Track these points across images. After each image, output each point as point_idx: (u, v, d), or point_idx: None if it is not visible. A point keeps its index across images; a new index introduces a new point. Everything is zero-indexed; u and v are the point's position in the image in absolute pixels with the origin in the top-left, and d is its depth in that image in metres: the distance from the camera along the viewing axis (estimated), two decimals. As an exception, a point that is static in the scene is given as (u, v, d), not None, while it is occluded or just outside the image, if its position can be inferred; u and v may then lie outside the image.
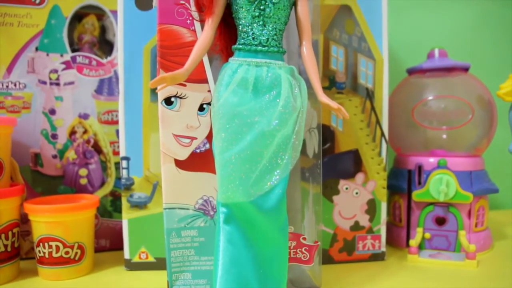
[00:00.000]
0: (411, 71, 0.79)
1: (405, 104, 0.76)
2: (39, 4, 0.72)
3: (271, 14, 0.47)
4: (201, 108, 0.55)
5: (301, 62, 0.51)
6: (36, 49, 0.72)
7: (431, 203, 0.72)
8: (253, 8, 0.47)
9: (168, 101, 0.54)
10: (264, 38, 0.48)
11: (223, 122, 0.46)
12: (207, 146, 0.55)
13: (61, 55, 0.73)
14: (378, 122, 0.68)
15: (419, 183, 0.73)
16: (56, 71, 0.73)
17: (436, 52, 0.78)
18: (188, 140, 0.55)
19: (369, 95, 0.68)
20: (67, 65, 0.73)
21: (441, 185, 0.70)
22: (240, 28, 0.49)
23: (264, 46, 0.48)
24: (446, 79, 0.76)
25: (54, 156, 0.73)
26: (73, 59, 0.74)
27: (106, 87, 0.75)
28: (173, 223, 0.56)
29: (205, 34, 0.48)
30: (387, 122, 0.68)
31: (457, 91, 0.74)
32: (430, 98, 0.74)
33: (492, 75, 0.88)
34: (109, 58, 0.75)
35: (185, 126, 0.55)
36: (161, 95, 0.54)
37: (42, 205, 0.63)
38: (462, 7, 1.03)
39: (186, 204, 0.56)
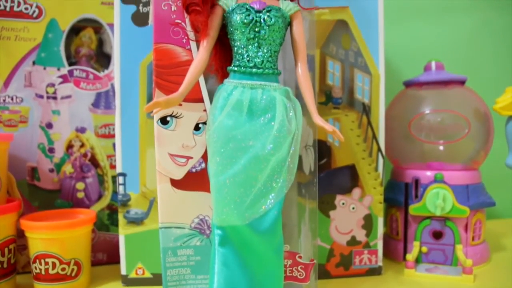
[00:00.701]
0: (408, 84, 0.79)
1: (402, 117, 0.76)
2: (36, 18, 0.72)
3: (266, 36, 0.47)
4: (196, 128, 0.55)
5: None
6: (33, 63, 0.72)
7: (428, 217, 0.72)
8: (248, 30, 0.47)
9: (163, 121, 0.55)
10: (259, 60, 0.48)
11: (217, 146, 0.46)
12: (203, 165, 0.56)
13: (58, 69, 0.73)
14: (374, 137, 0.68)
15: (416, 196, 0.73)
16: (53, 85, 0.73)
17: (433, 65, 0.78)
18: (184, 160, 0.55)
19: (366, 110, 0.68)
20: (64, 78, 0.73)
21: (437, 200, 0.70)
22: (235, 50, 0.49)
23: (259, 68, 0.48)
24: (443, 92, 0.76)
25: (51, 170, 0.73)
26: (70, 72, 0.74)
27: (103, 101, 0.75)
28: (169, 242, 0.56)
29: (200, 57, 0.48)
30: (384, 137, 0.68)
31: (453, 104, 0.74)
32: (427, 112, 0.74)
33: (488, 86, 0.89)
34: (106, 72, 0.75)
35: (181, 145, 0.55)
36: (157, 114, 0.54)
37: (38, 221, 0.63)
38: (458, 18, 1.02)
39: (182, 223, 0.56)
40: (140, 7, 0.64)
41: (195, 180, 0.55)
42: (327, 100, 0.67)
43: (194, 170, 0.55)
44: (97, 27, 0.76)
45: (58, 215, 0.68)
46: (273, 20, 0.47)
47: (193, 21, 0.49)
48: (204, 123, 0.55)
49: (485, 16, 1.01)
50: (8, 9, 0.71)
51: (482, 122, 0.74)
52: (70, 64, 0.75)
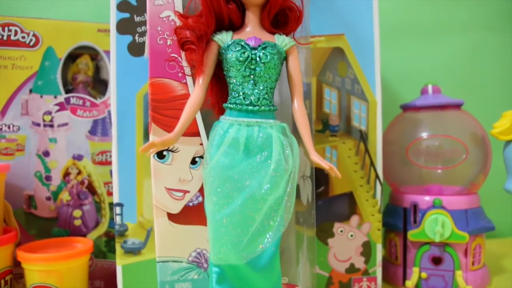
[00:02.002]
0: (404, 108, 0.79)
1: (399, 141, 0.76)
2: (33, 46, 0.72)
3: (261, 73, 0.47)
4: (193, 161, 0.55)
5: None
6: (30, 91, 0.72)
7: (427, 243, 0.72)
8: (243, 68, 0.47)
9: (160, 155, 0.54)
10: (255, 97, 0.48)
11: (214, 185, 0.46)
12: (200, 199, 0.55)
13: (55, 97, 0.73)
14: (372, 164, 0.68)
15: (415, 222, 0.73)
16: (49, 112, 0.73)
17: (430, 88, 0.78)
18: (180, 194, 0.55)
19: (363, 137, 0.68)
20: (61, 106, 0.73)
21: (436, 226, 0.69)
22: (231, 87, 0.49)
23: (255, 105, 0.48)
24: (440, 116, 0.76)
25: (48, 198, 0.73)
26: (67, 100, 0.74)
27: (100, 128, 0.75)
28: (167, 276, 0.55)
29: (195, 95, 0.48)
30: (381, 164, 0.68)
31: (451, 129, 0.74)
32: (424, 137, 0.74)
33: (485, 107, 0.89)
34: (103, 99, 0.75)
35: (177, 179, 0.55)
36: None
37: (35, 251, 0.63)
38: (454, 39, 1.02)
39: (180, 257, 0.55)
40: (136, 37, 0.64)
41: (192, 214, 0.55)
42: (324, 128, 0.67)
43: (191, 204, 0.55)
44: (94, 54, 0.76)
45: (55, 244, 0.68)
46: (268, 57, 0.47)
47: (189, 59, 0.49)
48: (201, 157, 0.55)
49: (480, 36, 1.01)
50: (5, 38, 0.71)
51: (480, 146, 0.74)
52: (67, 91, 0.75)
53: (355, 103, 0.68)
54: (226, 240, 0.45)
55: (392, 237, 0.77)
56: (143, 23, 0.64)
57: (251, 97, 0.47)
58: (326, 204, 0.68)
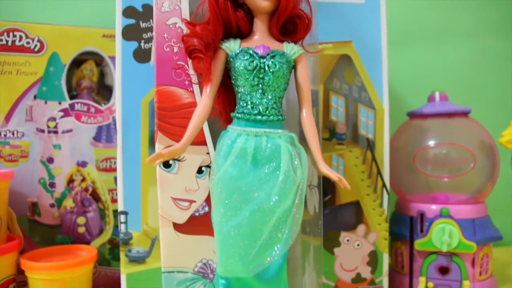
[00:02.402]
0: (412, 115, 0.79)
1: (406, 149, 0.76)
2: (38, 52, 0.72)
3: (270, 82, 0.47)
4: (199, 171, 0.54)
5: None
6: (35, 97, 0.72)
7: (433, 252, 0.71)
8: (252, 77, 0.47)
9: (166, 164, 0.54)
10: (263, 107, 0.47)
11: (222, 197, 0.45)
12: (206, 209, 0.55)
13: (59, 103, 0.73)
14: (379, 172, 0.67)
15: (421, 231, 0.72)
16: (54, 119, 0.72)
17: (437, 95, 0.77)
18: (186, 203, 0.54)
19: (370, 145, 0.67)
20: (65, 112, 0.73)
21: (444, 236, 0.69)
22: (239, 96, 0.48)
23: (263, 115, 0.47)
24: (447, 123, 0.75)
25: (52, 205, 0.72)
26: (71, 106, 0.73)
27: (105, 134, 0.74)
28: (172, 286, 0.55)
29: (203, 104, 0.48)
30: (388, 173, 0.67)
31: (458, 137, 0.73)
32: (432, 145, 0.73)
33: (493, 113, 0.88)
34: (107, 105, 0.75)
35: (183, 189, 0.54)
36: (159, 157, 0.53)
37: (39, 259, 0.63)
38: (462, 45, 1.01)
39: (185, 267, 0.55)
40: (142, 44, 0.64)
41: (198, 224, 0.55)
42: (331, 136, 0.67)
43: (197, 214, 0.55)
44: (99, 59, 0.76)
45: (59, 252, 0.67)
46: (277, 66, 0.46)
47: (196, 68, 0.48)
48: (207, 166, 0.54)
49: (487, 41, 1.00)
50: (10, 43, 0.71)
51: (487, 154, 0.73)
52: (71, 97, 0.74)
53: (362, 110, 0.67)
54: (234, 252, 0.45)
55: (398, 245, 0.77)
56: (149, 29, 0.63)
57: (260, 107, 0.47)
58: (333, 213, 0.67)
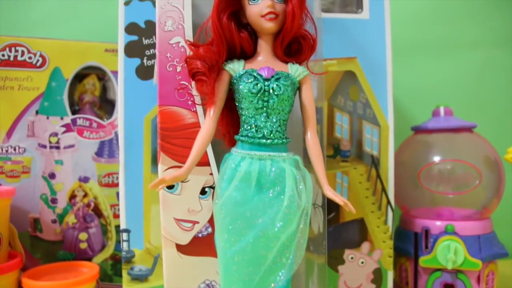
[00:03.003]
0: (416, 130, 0.78)
1: (411, 164, 0.75)
2: (40, 66, 0.72)
3: (275, 106, 0.46)
4: (203, 192, 0.54)
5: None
6: (36, 112, 0.72)
7: (438, 269, 0.70)
8: (256, 100, 0.46)
9: (169, 185, 0.53)
10: (267, 130, 0.46)
11: (225, 222, 0.45)
12: (210, 230, 0.54)
13: (61, 118, 0.73)
14: (384, 190, 0.67)
15: (426, 247, 0.72)
16: (56, 134, 0.72)
17: (442, 110, 0.77)
18: (190, 224, 0.54)
19: (375, 162, 0.66)
20: (67, 128, 0.73)
21: (449, 253, 0.68)
22: (243, 119, 0.48)
23: (267, 139, 0.46)
24: (452, 139, 0.74)
25: (54, 221, 0.72)
26: (74, 121, 0.73)
27: (107, 149, 0.74)
28: (175, 308, 0.54)
29: (206, 128, 0.47)
30: (393, 190, 0.67)
31: (463, 153, 0.72)
32: (436, 161, 0.72)
33: (498, 126, 0.87)
34: (110, 120, 0.75)
35: (186, 210, 0.54)
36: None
37: (40, 277, 0.62)
38: (467, 57, 1.00)
39: (188, 289, 0.54)
40: (145, 61, 0.63)
41: (201, 245, 0.54)
42: (335, 153, 0.66)
43: (200, 235, 0.54)
44: (101, 74, 0.75)
45: (61, 269, 0.67)
46: (282, 89, 0.46)
47: (199, 90, 0.48)
48: (211, 187, 0.54)
49: (491, 53, 0.99)
50: (12, 58, 0.70)
51: (493, 170, 0.73)
52: (74, 111, 0.74)
53: (366, 127, 0.66)
54: (238, 278, 0.44)
55: (403, 261, 0.76)
56: (152, 45, 0.63)
57: (264, 130, 0.46)
58: (337, 231, 0.66)
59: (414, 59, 0.99)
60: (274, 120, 0.47)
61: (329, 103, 0.66)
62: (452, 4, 0.98)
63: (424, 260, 0.70)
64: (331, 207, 0.66)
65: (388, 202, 0.67)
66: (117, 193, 0.73)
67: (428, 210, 0.74)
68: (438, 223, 0.71)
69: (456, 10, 0.98)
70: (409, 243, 0.74)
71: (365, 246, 0.67)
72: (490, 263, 0.71)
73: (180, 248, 0.54)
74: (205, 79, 0.46)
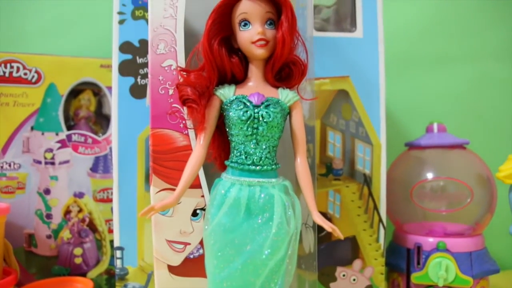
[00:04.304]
0: (410, 146, 0.79)
1: (404, 180, 0.75)
2: (35, 83, 0.72)
3: (264, 132, 0.47)
4: (194, 214, 0.54)
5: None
6: (32, 128, 0.72)
7: (430, 286, 0.71)
8: (246, 127, 0.46)
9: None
10: (257, 157, 0.47)
11: (215, 249, 0.45)
12: (201, 251, 0.55)
13: (56, 134, 0.73)
14: (376, 208, 0.67)
15: (418, 263, 0.72)
16: (51, 150, 0.72)
17: (435, 127, 0.77)
18: (181, 246, 0.54)
19: (367, 181, 0.67)
20: (63, 143, 0.73)
21: (440, 270, 0.69)
22: (233, 145, 0.48)
23: (257, 165, 0.47)
24: (445, 155, 0.75)
25: (49, 236, 0.72)
26: (69, 137, 0.73)
27: (102, 165, 0.74)
28: (166, 328, 0.55)
29: (196, 156, 0.47)
30: (385, 208, 0.67)
31: (455, 171, 0.73)
32: (429, 179, 0.73)
33: (492, 141, 0.88)
34: (105, 135, 0.75)
35: (178, 231, 0.54)
36: (154, 200, 0.53)
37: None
38: (461, 70, 1.00)
39: (179, 310, 0.55)
40: (138, 79, 0.64)
41: (193, 266, 0.55)
42: (328, 171, 0.67)
43: (191, 256, 0.55)
44: (96, 89, 0.76)
45: (55, 284, 0.68)
46: (271, 116, 0.46)
47: (190, 117, 0.48)
48: (202, 209, 0.54)
49: (486, 67, 0.99)
50: (7, 75, 0.71)
51: (485, 187, 0.73)
52: (69, 126, 0.74)
53: (359, 146, 0.67)
54: (226, 304, 0.45)
55: (395, 277, 0.76)
56: (145, 64, 0.63)
57: (253, 157, 0.47)
58: (329, 248, 0.67)
59: (408, 74, 0.99)
60: (264, 147, 0.47)
61: (322, 122, 0.67)
62: (445, 19, 0.98)
63: (416, 277, 0.71)
64: (323, 225, 0.66)
65: (380, 220, 0.67)
66: (112, 208, 0.74)
67: (421, 225, 0.75)
68: (431, 239, 0.72)
69: (449, 25, 0.98)
70: (402, 259, 0.74)
71: (357, 263, 0.67)
72: (481, 280, 0.72)
73: (172, 269, 0.54)
74: (195, 106, 0.46)
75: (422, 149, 0.76)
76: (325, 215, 0.66)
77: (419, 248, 0.72)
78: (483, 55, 0.98)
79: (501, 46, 0.97)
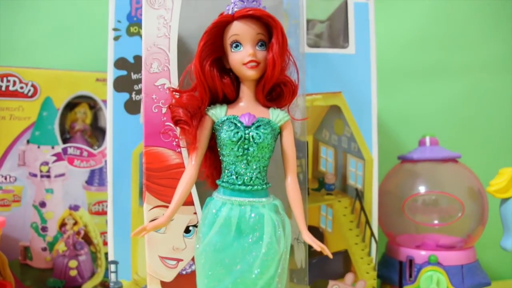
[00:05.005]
0: (402, 159, 0.79)
1: (396, 194, 0.76)
2: (31, 96, 0.73)
3: (254, 153, 0.47)
4: (187, 230, 0.55)
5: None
6: (28, 141, 0.73)
7: (422, 298, 0.72)
8: (236, 148, 0.47)
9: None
10: (247, 177, 0.47)
11: (205, 268, 0.46)
12: (193, 267, 0.55)
13: (52, 147, 0.74)
14: (367, 222, 0.68)
15: (410, 276, 0.73)
16: (47, 163, 0.73)
17: (427, 140, 0.78)
18: (174, 262, 0.55)
19: (359, 195, 0.68)
20: (58, 157, 0.74)
21: (431, 284, 0.69)
22: (224, 165, 0.49)
23: (247, 185, 0.47)
24: (437, 168, 0.76)
25: (44, 249, 0.73)
26: (64, 150, 0.74)
27: (97, 178, 0.75)
28: None
29: (188, 175, 0.48)
30: (377, 222, 0.68)
31: (447, 184, 0.74)
32: (421, 193, 0.74)
33: (484, 153, 0.88)
34: (100, 148, 0.76)
35: (171, 248, 0.55)
36: (148, 217, 0.54)
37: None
38: (454, 82, 1.00)
39: (172, 326, 0.55)
40: (133, 95, 0.65)
41: (185, 282, 0.55)
42: (320, 186, 0.67)
43: (184, 272, 0.55)
44: (92, 102, 0.76)
45: (50, 297, 0.68)
46: (262, 137, 0.47)
47: (182, 136, 0.49)
48: (194, 225, 0.55)
49: (480, 79, 1.00)
50: (3, 88, 0.72)
51: (476, 200, 0.74)
52: (64, 139, 0.75)
53: (351, 161, 0.68)
54: (217, 322, 0.45)
55: (387, 289, 0.77)
56: (140, 80, 0.64)
57: (244, 177, 0.47)
58: (321, 262, 0.67)
59: (401, 87, 0.99)
60: (254, 167, 0.48)
61: (314, 137, 0.67)
62: (438, 32, 0.99)
63: (407, 290, 0.71)
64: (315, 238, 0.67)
65: (372, 234, 0.68)
66: (107, 221, 0.74)
67: (413, 237, 0.76)
68: (422, 252, 0.72)
69: (441, 38, 0.99)
70: (394, 272, 0.75)
71: (349, 277, 0.68)
72: (473, 293, 0.73)
73: (164, 285, 0.55)
74: (187, 128, 0.47)
75: (414, 163, 0.77)
76: (317, 229, 0.67)
77: (411, 261, 0.73)
78: (475, 68, 0.99)
79: (493, 60, 0.98)
